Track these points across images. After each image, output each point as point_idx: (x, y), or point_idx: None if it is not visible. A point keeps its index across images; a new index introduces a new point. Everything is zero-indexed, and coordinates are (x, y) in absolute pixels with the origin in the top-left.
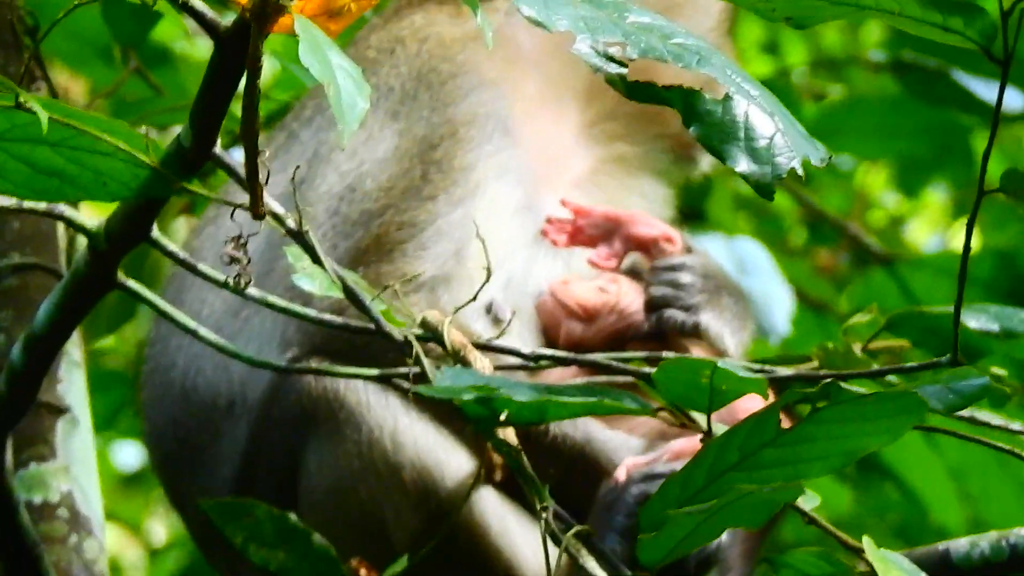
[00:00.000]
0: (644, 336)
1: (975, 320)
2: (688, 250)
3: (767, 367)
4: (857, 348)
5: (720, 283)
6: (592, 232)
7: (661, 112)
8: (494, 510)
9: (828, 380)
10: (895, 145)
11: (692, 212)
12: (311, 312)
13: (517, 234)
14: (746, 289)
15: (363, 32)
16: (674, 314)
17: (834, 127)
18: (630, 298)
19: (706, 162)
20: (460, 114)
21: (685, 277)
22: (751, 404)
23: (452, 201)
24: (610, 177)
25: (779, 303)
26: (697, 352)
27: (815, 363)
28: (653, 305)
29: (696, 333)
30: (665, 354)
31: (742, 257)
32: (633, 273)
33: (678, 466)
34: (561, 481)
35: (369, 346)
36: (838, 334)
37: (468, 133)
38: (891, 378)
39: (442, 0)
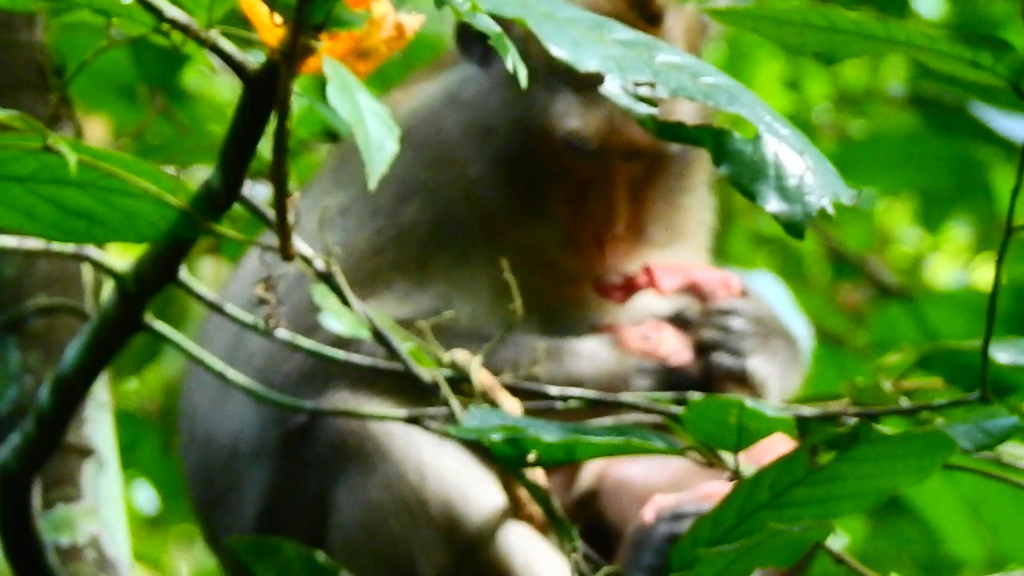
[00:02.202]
0: (689, 384)
1: (1005, 354)
2: (743, 294)
3: (794, 406)
4: (887, 385)
5: (772, 329)
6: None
7: None
8: (520, 545)
9: (858, 420)
10: (915, 179)
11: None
12: (339, 353)
13: (551, 284)
14: (798, 335)
15: None
16: (722, 358)
17: (854, 162)
18: (671, 347)
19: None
20: (406, 219)
21: (736, 322)
22: (775, 445)
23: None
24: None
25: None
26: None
27: (845, 400)
28: (702, 348)
29: (743, 378)
30: (691, 395)
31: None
32: (679, 321)
33: (706, 505)
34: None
35: (398, 378)
36: (860, 370)
37: (412, 238)
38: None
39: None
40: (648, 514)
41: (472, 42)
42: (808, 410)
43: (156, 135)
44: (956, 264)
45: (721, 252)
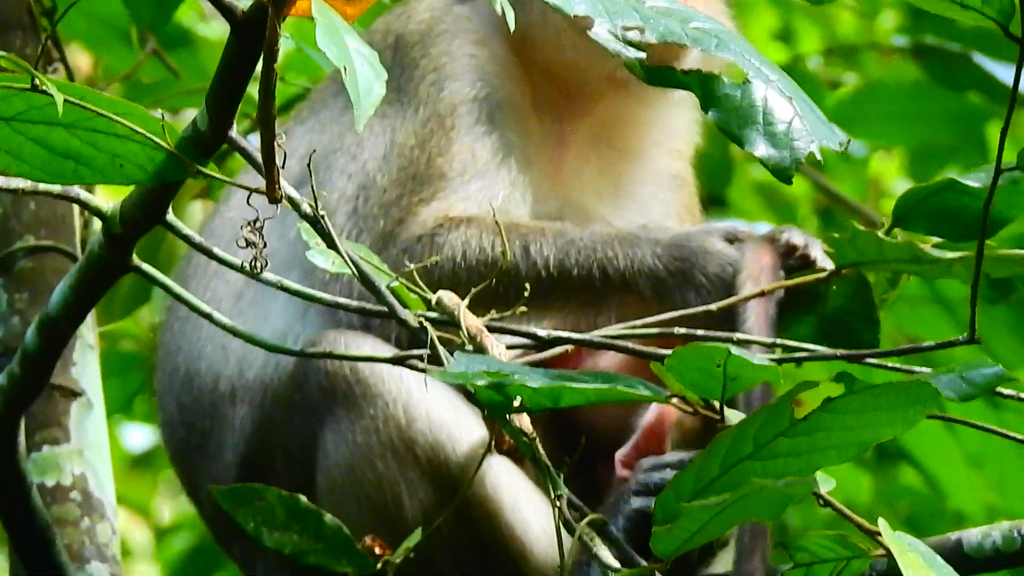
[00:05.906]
0: None
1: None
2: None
3: (788, 343)
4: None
5: None
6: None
7: None
8: (505, 484)
9: (840, 371)
10: (913, 131)
11: (713, 198)
12: (326, 296)
13: (537, 205)
14: None
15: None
16: None
17: (851, 113)
18: None
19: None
20: (444, 106)
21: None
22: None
23: (466, 177)
24: (617, 131)
25: None
26: None
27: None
28: None
29: None
30: (677, 330)
31: None
32: None
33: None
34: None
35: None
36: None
37: (458, 122)
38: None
39: None
40: (619, 471)
41: None
42: (801, 354)
43: (149, 78)
44: None
45: (722, 202)
